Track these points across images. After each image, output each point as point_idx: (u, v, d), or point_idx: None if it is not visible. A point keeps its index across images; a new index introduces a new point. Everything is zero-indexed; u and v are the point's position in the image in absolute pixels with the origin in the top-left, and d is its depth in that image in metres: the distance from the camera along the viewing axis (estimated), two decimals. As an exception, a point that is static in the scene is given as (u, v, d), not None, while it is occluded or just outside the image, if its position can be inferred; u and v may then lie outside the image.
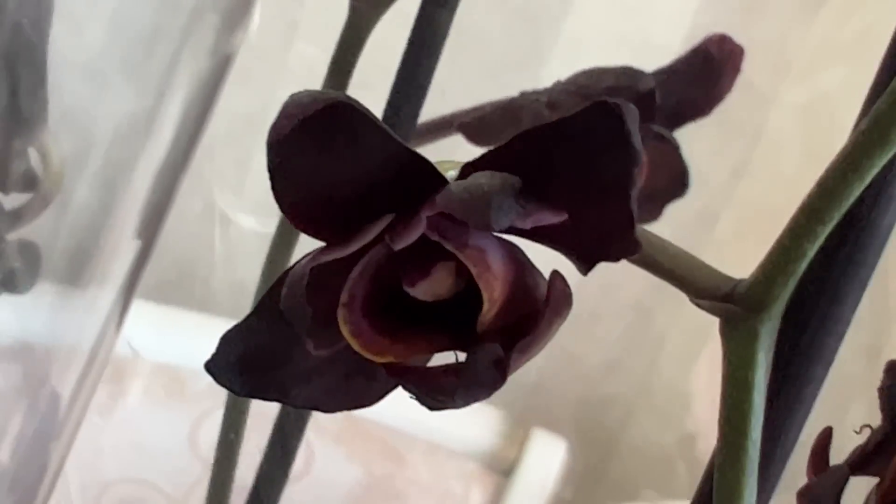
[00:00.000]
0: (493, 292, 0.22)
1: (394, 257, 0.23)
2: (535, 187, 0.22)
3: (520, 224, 0.22)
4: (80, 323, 0.44)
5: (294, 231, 0.42)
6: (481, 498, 1.11)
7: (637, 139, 0.21)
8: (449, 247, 0.22)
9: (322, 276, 0.22)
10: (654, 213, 0.43)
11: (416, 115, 0.38)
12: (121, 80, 0.39)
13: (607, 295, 1.21)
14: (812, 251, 0.22)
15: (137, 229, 0.40)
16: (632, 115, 0.21)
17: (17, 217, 0.38)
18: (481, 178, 0.22)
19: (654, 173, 0.41)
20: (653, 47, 1.21)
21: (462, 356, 0.23)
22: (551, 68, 1.24)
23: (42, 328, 0.43)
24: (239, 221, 1.20)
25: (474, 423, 1.12)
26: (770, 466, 0.24)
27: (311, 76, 0.41)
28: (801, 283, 0.23)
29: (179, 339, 1.10)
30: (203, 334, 1.06)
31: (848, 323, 0.24)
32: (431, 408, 0.23)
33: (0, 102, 0.36)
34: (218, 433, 0.47)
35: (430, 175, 0.23)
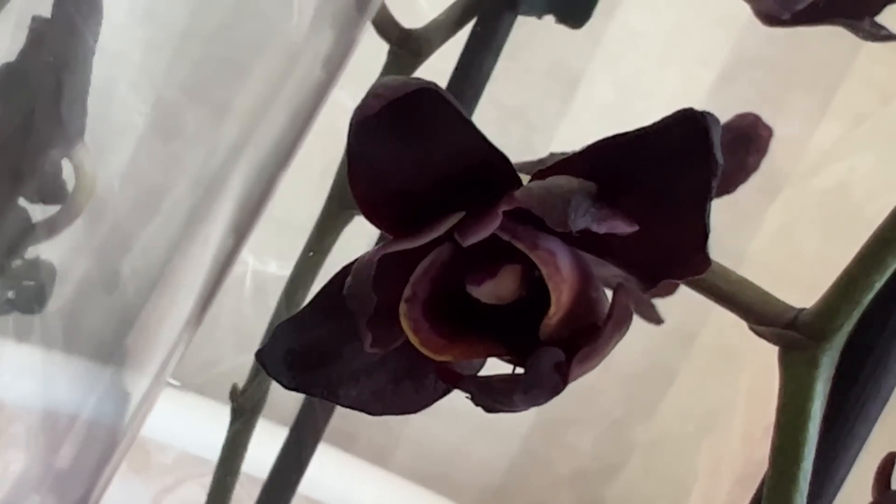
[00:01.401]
0: (562, 295, 0.22)
1: (460, 257, 0.22)
2: (609, 196, 0.22)
3: (595, 227, 0.22)
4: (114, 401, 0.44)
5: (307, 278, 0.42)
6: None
7: (719, 151, 0.21)
8: (521, 247, 0.22)
9: (386, 269, 0.22)
10: (670, 287, 0.42)
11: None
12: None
13: (582, 402, 1.21)
14: (879, 282, 0.22)
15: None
16: (716, 126, 0.21)
17: (41, 230, 0.38)
18: (560, 179, 0.22)
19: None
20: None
21: (517, 370, 0.23)
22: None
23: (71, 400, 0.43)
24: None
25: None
26: (818, 500, 0.24)
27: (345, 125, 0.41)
28: (864, 317, 0.23)
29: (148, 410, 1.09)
30: (171, 407, 1.05)
31: (909, 361, 0.24)
32: (489, 410, 0.22)
33: (44, 108, 0.36)
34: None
35: (507, 173, 0.23)
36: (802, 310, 0.23)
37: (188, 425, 1.01)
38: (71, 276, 0.40)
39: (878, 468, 0.25)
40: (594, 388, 1.22)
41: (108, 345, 0.43)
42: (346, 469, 1.06)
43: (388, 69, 0.40)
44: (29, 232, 0.38)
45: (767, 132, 0.42)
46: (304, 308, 0.24)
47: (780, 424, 0.23)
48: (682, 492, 1.21)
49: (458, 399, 0.23)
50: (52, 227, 0.38)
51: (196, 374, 1.17)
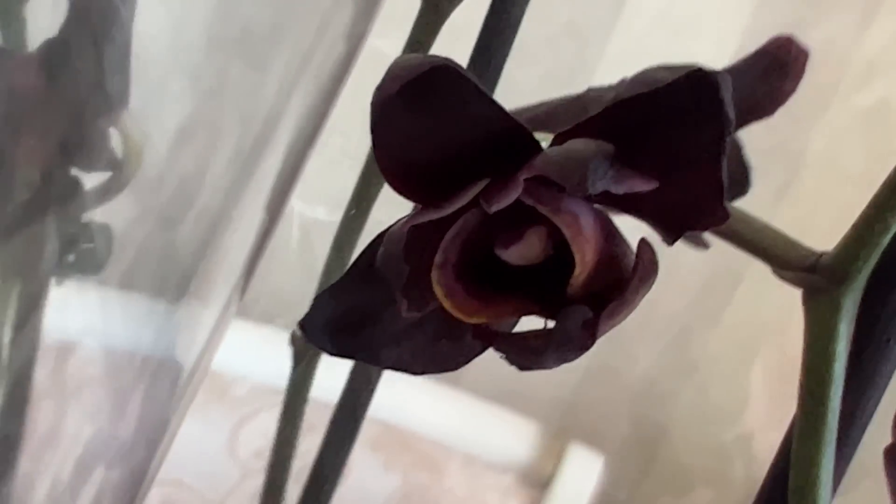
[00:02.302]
0: (585, 255, 0.23)
1: (487, 221, 0.23)
2: (627, 156, 0.23)
3: (614, 189, 0.22)
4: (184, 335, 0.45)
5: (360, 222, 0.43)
6: (518, 510, 1.11)
7: (731, 108, 0.22)
8: (544, 210, 0.23)
9: (417, 238, 0.23)
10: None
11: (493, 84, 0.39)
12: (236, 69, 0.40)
13: (648, 310, 1.22)
14: (896, 225, 0.23)
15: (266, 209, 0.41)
16: (725, 83, 0.22)
17: (94, 197, 0.39)
18: (577, 144, 0.23)
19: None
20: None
21: (549, 324, 0.24)
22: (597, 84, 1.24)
23: (147, 339, 0.44)
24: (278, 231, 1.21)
25: (512, 436, 1.12)
26: (848, 437, 0.25)
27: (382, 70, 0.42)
28: (884, 256, 0.23)
29: (221, 345, 1.11)
30: (244, 340, 1.07)
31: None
32: (522, 367, 0.23)
33: (82, 79, 0.37)
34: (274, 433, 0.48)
35: (526, 141, 0.23)
36: (823, 253, 0.24)
37: (260, 357, 1.03)
38: (137, 223, 0.42)
39: (896, 416, 0.25)
40: (659, 299, 1.23)
41: (174, 283, 0.44)
42: (416, 389, 1.07)
43: (423, 14, 0.41)
44: (82, 199, 0.39)
45: (803, 55, 0.42)
46: (343, 276, 0.25)
47: (807, 366, 0.24)
48: (745, 400, 1.21)
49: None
50: (104, 194, 0.39)
51: (264, 307, 1.19)
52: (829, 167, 1.22)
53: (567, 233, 0.23)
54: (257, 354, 1.05)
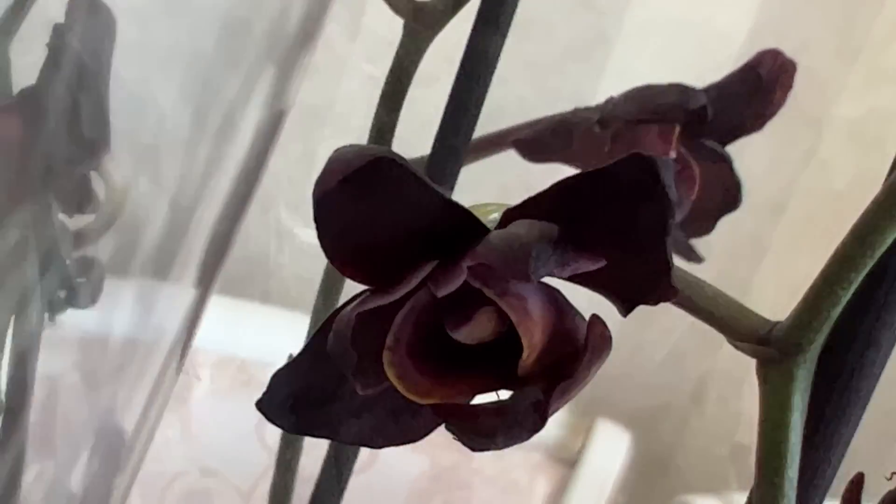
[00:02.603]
0: (533, 338, 0.23)
1: (437, 302, 0.23)
2: (574, 234, 0.23)
3: (558, 273, 0.22)
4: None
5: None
6: (546, 489, 1.11)
7: (672, 192, 0.22)
8: (489, 294, 0.23)
9: (368, 320, 0.23)
10: (706, 227, 0.43)
11: (469, 134, 0.38)
12: (183, 121, 0.40)
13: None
14: (846, 297, 0.23)
15: (196, 276, 0.41)
16: (666, 168, 0.22)
17: (80, 238, 0.39)
18: (520, 227, 0.23)
19: (707, 188, 0.42)
20: (718, 35, 1.21)
21: (503, 394, 0.24)
22: (615, 57, 1.24)
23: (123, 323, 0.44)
24: (306, 213, 1.22)
25: (539, 414, 1.12)
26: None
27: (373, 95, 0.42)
28: (836, 326, 0.23)
29: (246, 332, 1.12)
30: (270, 326, 1.07)
31: (883, 366, 0.24)
32: (473, 449, 0.23)
33: (62, 128, 0.37)
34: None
35: (470, 224, 0.23)
36: (777, 324, 0.24)
37: (286, 343, 1.04)
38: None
39: (845, 492, 0.25)
40: (687, 271, 1.23)
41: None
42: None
43: (405, 43, 0.41)
44: (68, 241, 0.39)
45: (791, 67, 0.42)
46: (299, 354, 0.25)
47: (763, 435, 0.24)
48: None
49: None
50: (89, 235, 0.39)
51: (291, 293, 1.19)
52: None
53: (513, 317, 0.23)
54: (283, 340, 1.05)
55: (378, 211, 0.22)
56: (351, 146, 0.22)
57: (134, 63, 0.38)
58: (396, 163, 0.22)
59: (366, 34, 1.14)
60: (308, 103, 1.16)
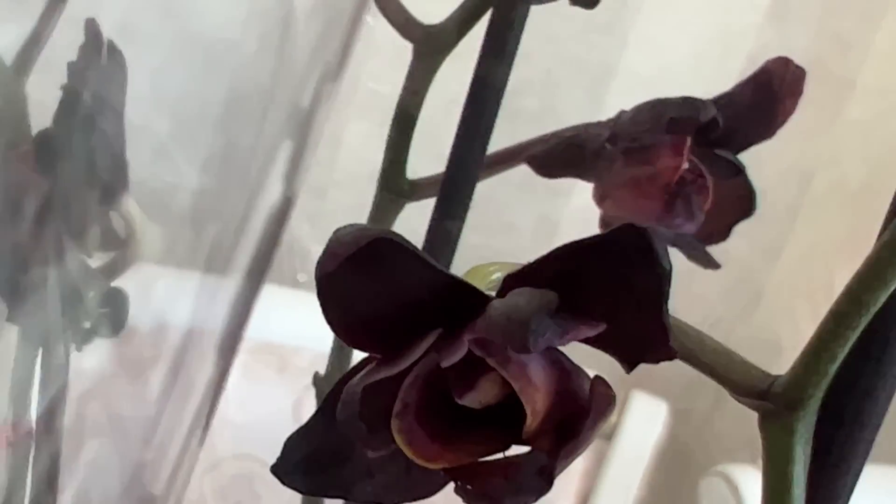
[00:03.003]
0: (536, 405, 0.23)
1: (442, 369, 0.24)
2: (574, 300, 0.23)
3: (557, 343, 0.23)
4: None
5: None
6: (583, 463, 1.12)
7: (666, 259, 0.22)
8: (492, 363, 0.23)
9: (375, 388, 0.24)
10: (722, 234, 0.43)
11: (480, 160, 0.39)
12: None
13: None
14: (843, 354, 0.23)
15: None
16: (659, 238, 0.22)
17: (101, 275, 0.40)
18: (520, 297, 0.23)
19: (721, 197, 0.42)
20: (740, 2, 1.21)
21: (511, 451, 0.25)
22: (639, 27, 1.23)
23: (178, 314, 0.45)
24: (333, 196, 1.22)
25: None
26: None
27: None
28: (835, 379, 0.24)
29: (280, 317, 1.13)
30: (303, 311, 1.08)
31: (882, 416, 0.25)
32: (481, 513, 0.24)
33: (80, 170, 0.38)
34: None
35: (472, 295, 0.24)
36: (777, 378, 0.24)
37: (320, 327, 1.05)
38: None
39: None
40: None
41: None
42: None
43: (415, 66, 0.41)
44: (90, 276, 0.40)
45: (801, 74, 0.42)
46: (311, 418, 0.26)
47: (767, 487, 0.24)
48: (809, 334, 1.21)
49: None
50: (112, 271, 0.40)
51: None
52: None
53: (515, 385, 0.23)
54: (317, 325, 1.06)
55: (380, 288, 0.23)
56: (351, 226, 0.23)
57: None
58: (395, 243, 0.22)
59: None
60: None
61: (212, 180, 0.41)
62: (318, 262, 0.22)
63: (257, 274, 0.41)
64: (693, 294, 1.25)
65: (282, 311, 1.13)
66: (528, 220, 1.24)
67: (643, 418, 1.14)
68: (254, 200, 0.40)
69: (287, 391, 1.12)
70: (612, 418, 1.14)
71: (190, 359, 0.43)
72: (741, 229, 0.43)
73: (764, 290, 1.30)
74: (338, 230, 0.23)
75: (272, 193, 0.40)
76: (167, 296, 0.42)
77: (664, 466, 1.16)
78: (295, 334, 1.12)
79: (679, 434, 1.20)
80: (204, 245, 0.42)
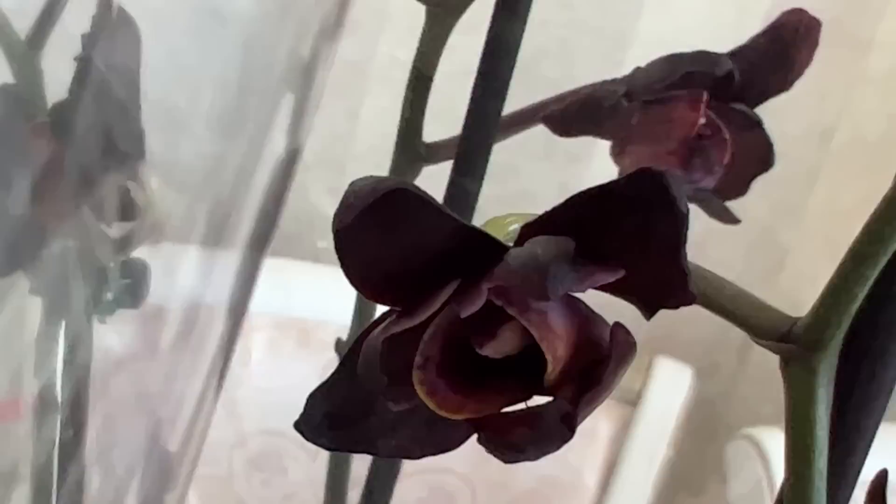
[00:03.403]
0: (557, 352, 0.23)
1: (462, 319, 0.24)
2: (591, 247, 0.23)
3: (576, 289, 0.23)
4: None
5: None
6: (609, 430, 1.12)
7: (683, 202, 0.22)
8: (511, 312, 0.23)
9: (395, 341, 0.24)
10: (740, 189, 0.43)
11: (496, 120, 0.39)
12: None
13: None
14: (863, 293, 0.23)
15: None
16: (675, 181, 0.22)
17: (123, 243, 0.40)
18: (537, 246, 0.23)
19: (739, 151, 0.42)
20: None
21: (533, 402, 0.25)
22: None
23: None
24: (352, 169, 1.22)
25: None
26: (837, 496, 0.25)
27: (414, 24, 0.42)
28: (856, 319, 0.24)
29: (302, 292, 1.13)
30: (325, 285, 1.08)
31: (904, 355, 0.25)
32: (506, 461, 0.24)
33: (96, 141, 0.38)
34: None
35: (489, 244, 0.24)
36: (797, 321, 0.24)
37: (340, 301, 1.05)
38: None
39: (870, 487, 0.26)
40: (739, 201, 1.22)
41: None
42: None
43: (428, 28, 0.41)
44: (111, 247, 0.40)
45: (816, 25, 0.42)
46: (333, 374, 0.26)
47: (791, 430, 0.24)
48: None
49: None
50: (129, 241, 0.40)
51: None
52: None
53: (535, 333, 0.23)
54: (338, 299, 1.06)
55: (397, 239, 0.23)
56: (367, 178, 0.22)
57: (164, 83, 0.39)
58: (412, 193, 0.22)
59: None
60: (350, 61, 1.17)
61: (215, 137, 0.41)
62: (335, 215, 0.22)
63: (266, 226, 0.41)
64: (714, 259, 1.24)
65: (304, 286, 1.13)
66: (548, 188, 1.23)
67: (668, 384, 1.14)
68: (258, 154, 0.40)
69: (312, 366, 1.12)
70: (637, 384, 1.14)
71: (201, 315, 0.43)
72: (761, 191, 0.43)
73: (786, 251, 1.30)
74: (354, 182, 0.23)
75: (276, 146, 0.40)
76: (177, 254, 0.42)
77: (690, 431, 1.16)
78: (318, 308, 1.12)
79: (704, 398, 1.20)
80: (211, 198, 0.42)
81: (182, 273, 0.43)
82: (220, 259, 0.42)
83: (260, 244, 0.42)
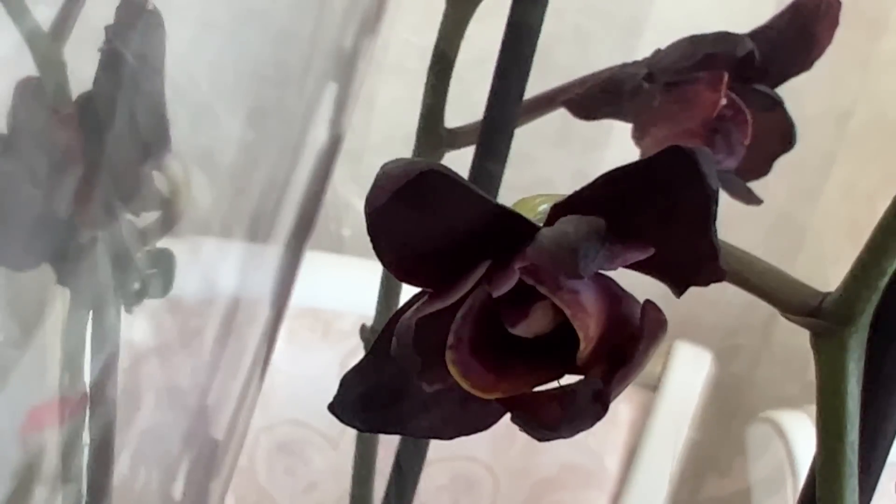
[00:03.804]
0: (589, 331, 0.23)
1: (494, 299, 0.24)
2: (622, 225, 0.23)
3: (607, 267, 0.23)
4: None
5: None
6: (629, 415, 1.12)
7: (713, 179, 0.22)
8: (543, 291, 0.23)
9: (428, 321, 0.24)
10: (763, 170, 0.43)
11: (517, 103, 0.39)
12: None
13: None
14: (892, 268, 0.23)
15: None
16: (705, 157, 0.22)
17: (148, 233, 0.40)
18: (568, 225, 0.23)
19: (761, 132, 0.42)
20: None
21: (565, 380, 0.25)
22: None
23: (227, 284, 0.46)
24: (369, 160, 1.22)
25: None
26: (870, 468, 0.25)
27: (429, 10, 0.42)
28: (885, 294, 0.24)
29: (321, 282, 1.13)
30: (346, 276, 1.08)
31: (935, 329, 0.25)
32: (540, 439, 0.24)
33: (121, 131, 0.38)
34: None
35: (520, 224, 0.24)
36: (827, 295, 0.24)
37: (360, 292, 1.05)
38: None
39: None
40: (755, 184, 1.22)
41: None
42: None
43: (450, 11, 0.41)
44: (137, 237, 0.40)
45: (835, 4, 0.42)
46: (365, 356, 0.26)
47: (822, 405, 0.24)
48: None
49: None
50: (156, 231, 0.40)
51: (362, 242, 1.20)
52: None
53: (568, 312, 0.23)
54: (359, 289, 1.07)
55: (429, 221, 0.23)
56: (398, 160, 0.23)
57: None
58: (443, 174, 0.22)
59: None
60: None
61: (257, 126, 0.41)
62: (367, 198, 0.23)
63: (308, 214, 0.42)
64: (733, 241, 1.24)
65: (324, 276, 1.13)
66: (564, 176, 1.24)
67: (688, 368, 1.14)
68: (302, 144, 0.41)
69: (331, 356, 1.12)
70: (657, 369, 1.14)
71: (244, 307, 0.43)
72: (780, 173, 0.43)
73: (805, 233, 1.30)
74: (385, 164, 0.23)
75: (319, 134, 0.41)
76: (218, 247, 0.43)
77: (711, 415, 1.16)
78: (338, 298, 1.12)
79: (724, 382, 1.20)
80: (254, 189, 0.42)
81: (226, 265, 0.43)
82: (262, 250, 0.43)
83: (303, 232, 0.42)
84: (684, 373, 1.13)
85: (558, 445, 1.12)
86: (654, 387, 1.13)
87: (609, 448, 1.13)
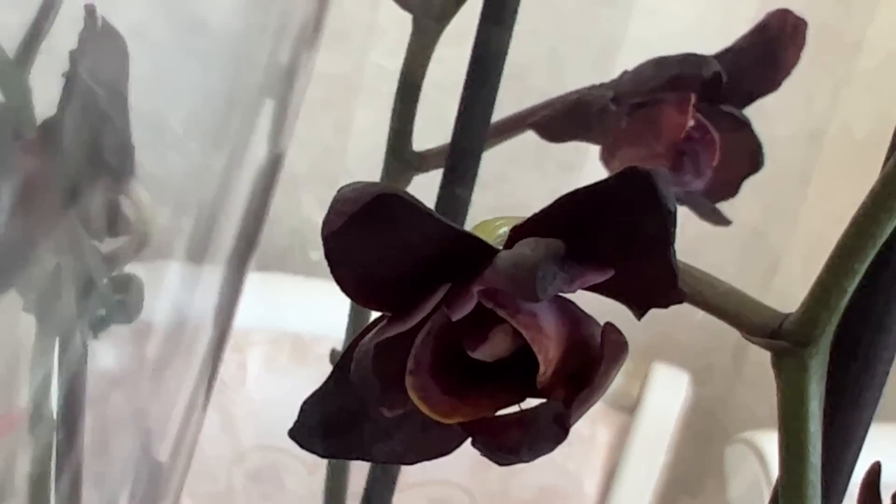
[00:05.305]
0: (548, 354, 0.23)
1: (454, 323, 0.24)
2: (580, 247, 0.23)
3: (566, 290, 0.23)
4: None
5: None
6: (607, 437, 1.12)
7: (671, 200, 0.22)
8: (502, 314, 0.23)
9: (387, 346, 0.24)
10: (731, 190, 0.43)
11: (485, 127, 0.39)
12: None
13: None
14: (852, 288, 0.23)
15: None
16: (662, 179, 0.22)
17: (114, 258, 0.40)
18: (526, 247, 0.23)
19: (728, 153, 0.42)
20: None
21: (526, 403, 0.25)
22: (642, 0, 1.23)
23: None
24: (345, 183, 1.22)
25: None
26: (832, 490, 0.25)
27: (402, 35, 0.42)
28: (846, 313, 0.24)
29: (298, 307, 1.13)
30: (320, 300, 1.08)
31: (895, 348, 0.25)
32: (500, 464, 0.24)
33: (86, 156, 0.38)
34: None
35: (479, 247, 0.24)
36: (788, 316, 0.24)
37: (338, 315, 1.05)
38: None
39: (863, 481, 0.26)
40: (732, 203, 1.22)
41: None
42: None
43: (414, 37, 0.41)
44: (102, 263, 0.40)
45: (800, 23, 0.42)
46: (326, 381, 0.26)
47: (784, 426, 0.24)
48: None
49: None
50: (123, 255, 0.40)
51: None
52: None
53: (527, 335, 0.23)
54: (334, 313, 1.07)
55: (386, 245, 0.23)
56: (355, 184, 0.23)
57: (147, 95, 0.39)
58: (399, 197, 0.22)
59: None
60: (337, 74, 1.17)
61: (192, 145, 0.41)
62: (324, 222, 0.22)
63: (251, 234, 0.41)
64: (707, 263, 1.24)
65: (299, 301, 1.13)
66: (540, 198, 1.23)
67: (665, 390, 1.14)
68: (240, 162, 0.40)
69: (309, 380, 1.12)
70: (635, 391, 1.14)
71: (187, 329, 0.43)
72: (753, 194, 0.43)
73: (780, 254, 1.30)
74: (342, 188, 0.23)
75: (258, 153, 0.40)
76: (162, 268, 0.43)
77: (688, 437, 1.16)
78: (313, 323, 1.12)
79: (702, 404, 1.20)
80: (195, 210, 0.42)
81: (167, 286, 0.43)
82: (204, 270, 0.42)
83: (245, 252, 0.42)
84: (662, 395, 1.13)
85: (537, 468, 1.12)
86: (631, 408, 1.13)
87: (587, 470, 1.13)
